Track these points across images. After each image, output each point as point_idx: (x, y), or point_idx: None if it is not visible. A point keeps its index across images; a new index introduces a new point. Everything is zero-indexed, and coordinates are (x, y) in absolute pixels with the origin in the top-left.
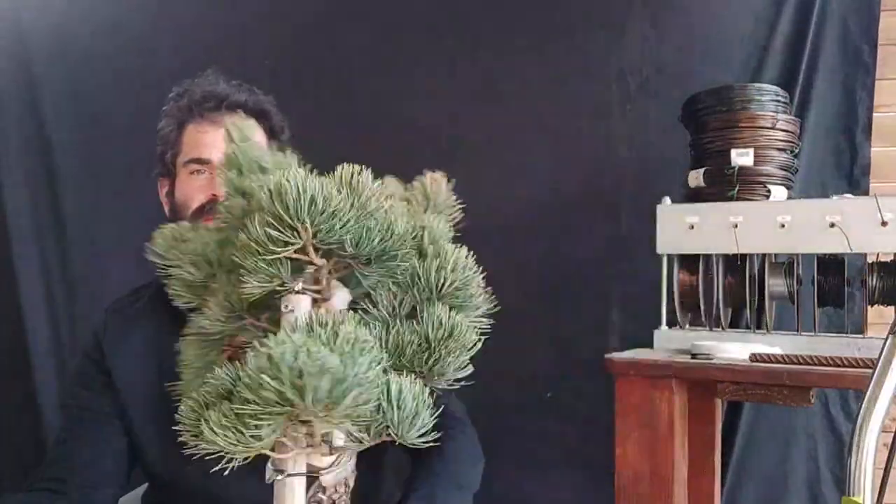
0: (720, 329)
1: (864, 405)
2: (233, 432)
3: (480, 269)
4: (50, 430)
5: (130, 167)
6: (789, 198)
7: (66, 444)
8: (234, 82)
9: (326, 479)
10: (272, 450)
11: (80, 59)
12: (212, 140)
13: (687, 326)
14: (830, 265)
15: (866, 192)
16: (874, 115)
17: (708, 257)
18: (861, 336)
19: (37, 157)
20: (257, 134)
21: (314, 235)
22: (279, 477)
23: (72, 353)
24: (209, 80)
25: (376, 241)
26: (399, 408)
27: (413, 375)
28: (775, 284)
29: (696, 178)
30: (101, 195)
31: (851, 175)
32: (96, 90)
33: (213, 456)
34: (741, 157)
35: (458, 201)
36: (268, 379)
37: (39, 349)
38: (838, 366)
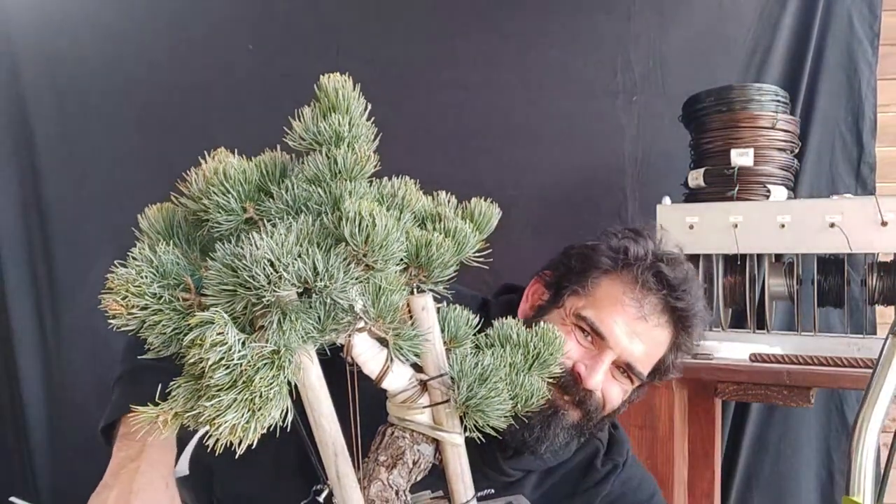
0: (720, 329)
1: (863, 405)
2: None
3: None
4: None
5: (116, 162)
6: (789, 198)
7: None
8: None
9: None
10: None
11: (64, 54)
12: None
13: None
14: (830, 265)
15: (872, 188)
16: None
17: (708, 257)
18: (861, 336)
19: (23, 155)
20: None
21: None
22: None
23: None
24: None
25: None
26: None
27: None
28: (775, 284)
29: (696, 178)
30: (84, 193)
31: (859, 171)
32: (80, 84)
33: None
34: (741, 157)
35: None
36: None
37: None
38: (838, 366)
